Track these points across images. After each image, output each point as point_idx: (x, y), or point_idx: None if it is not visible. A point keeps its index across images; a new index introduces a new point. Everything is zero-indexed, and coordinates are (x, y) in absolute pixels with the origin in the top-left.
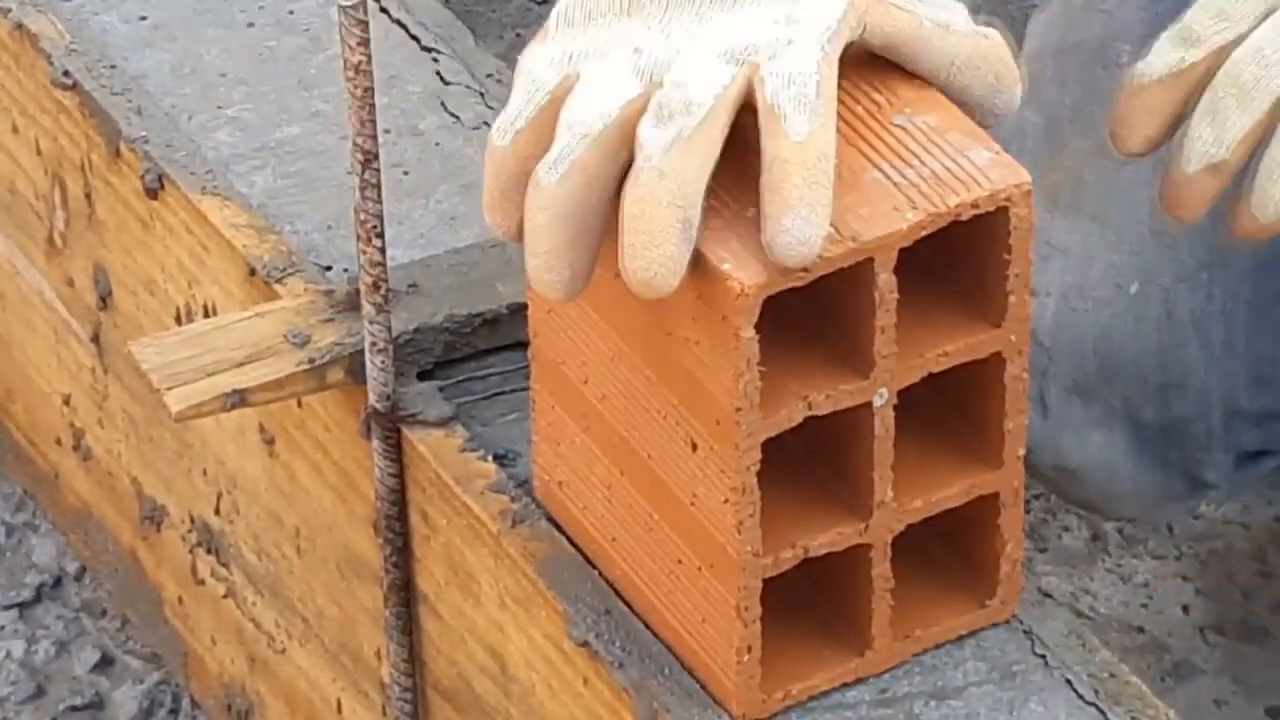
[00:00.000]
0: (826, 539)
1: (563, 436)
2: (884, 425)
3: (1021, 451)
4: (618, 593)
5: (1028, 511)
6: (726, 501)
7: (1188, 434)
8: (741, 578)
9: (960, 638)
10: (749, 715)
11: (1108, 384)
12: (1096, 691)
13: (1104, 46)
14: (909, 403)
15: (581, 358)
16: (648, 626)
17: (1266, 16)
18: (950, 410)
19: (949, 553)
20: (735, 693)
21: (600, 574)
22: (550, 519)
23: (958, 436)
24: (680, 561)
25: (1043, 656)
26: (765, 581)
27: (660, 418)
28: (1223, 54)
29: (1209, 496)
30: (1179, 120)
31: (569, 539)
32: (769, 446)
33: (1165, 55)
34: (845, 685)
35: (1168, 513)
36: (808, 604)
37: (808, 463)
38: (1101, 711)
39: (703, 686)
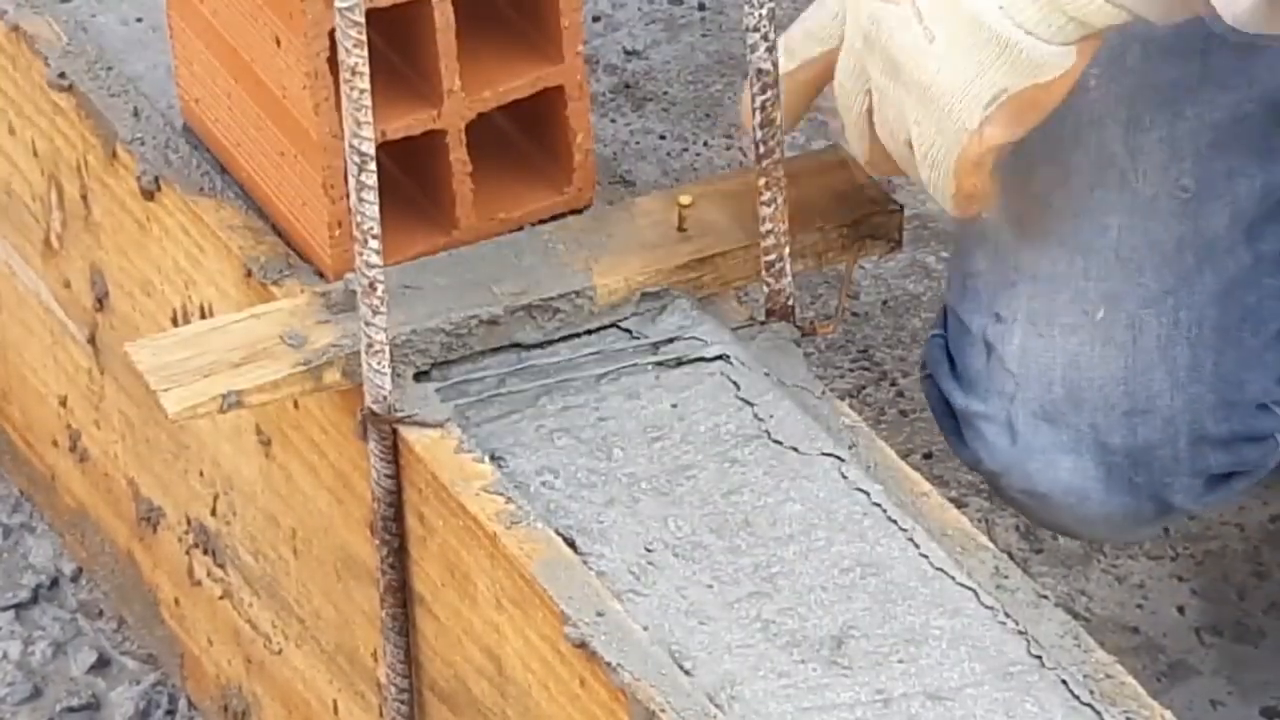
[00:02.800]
0: (403, 124)
1: (194, 56)
2: (444, 19)
3: (580, 48)
4: (246, 193)
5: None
6: (305, 88)
7: (1155, 459)
8: (324, 158)
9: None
10: (339, 273)
11: (1075, 410)
12: (1092, 692)
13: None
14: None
15: None
16: (273, 227)
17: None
18: (513, 8)
19: (529, 146)
20: (331, 264)
21: (236, 181)
22: (197, 139)
23: (522, 36)
24: (282, 153)
25: (1039, 657)
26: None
27: (253, 20)
28: (815, 66)
29: (1179, 519)
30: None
31: (213, 158)
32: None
33: (780, 63)
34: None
35: (1138, 535)
36: (404, 191)
37: (387, 59)
38: (1097, 712)
39: (308, 260)
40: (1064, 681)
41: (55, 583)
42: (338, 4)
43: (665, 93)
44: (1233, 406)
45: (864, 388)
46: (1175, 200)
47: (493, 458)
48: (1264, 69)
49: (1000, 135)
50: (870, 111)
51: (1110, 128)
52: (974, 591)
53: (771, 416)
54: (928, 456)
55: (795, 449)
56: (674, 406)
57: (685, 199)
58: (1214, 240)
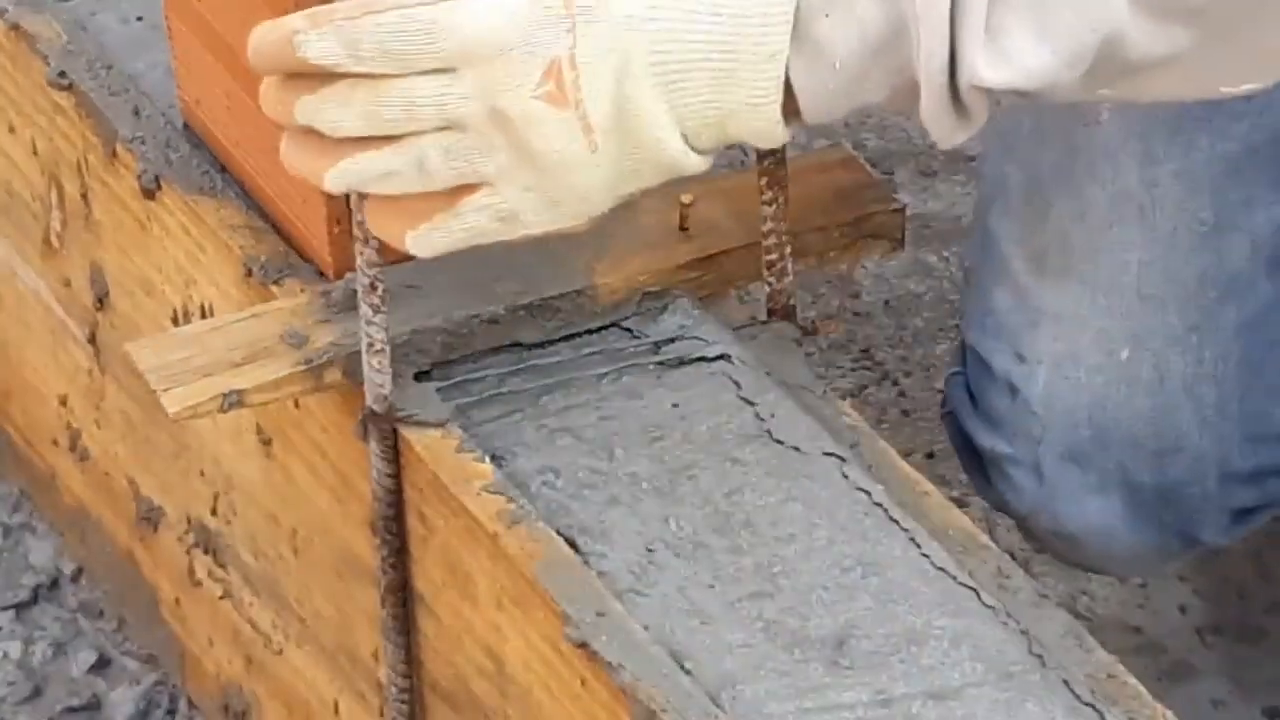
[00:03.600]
0: None
1: (193, 57)
2: None
3: None
4: (246, 192)
5: None
6: None
7: (1184, 496)
8: None
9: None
10: (340, 271)
11: (1102, 450)
12: (1094, 692)
13: (1084, 108)
14: None
15: None
16: (273, 226)
17: (429, 73)
18: None
19: None
20: (331, 263)
21: (236, 181)
22: (197, 138)
23: None
24: None
25: (1040, 657)
26: None
27: (250, 20)
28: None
29: (1204, 552)
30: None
31: (214, 157)
32: None
33: (323, 49)
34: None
35: (1164, 570)
36: None
37: None
38: (1099, 712)
39: (308, 259)
40: (1065, 682)
41: (55, 582)
42: None
43: None
44: (1260, 441)
45: (866, 387)
46: (1194, 234)
47: (493, 457)
48: (1276, 97)
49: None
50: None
51: (1124, 162)
52: (975, 591)
53: (773, 416)
54: (929, 456)
55: (796, 449)
56: (675, 406)
57: (686, 198)
58: (1236, 274)
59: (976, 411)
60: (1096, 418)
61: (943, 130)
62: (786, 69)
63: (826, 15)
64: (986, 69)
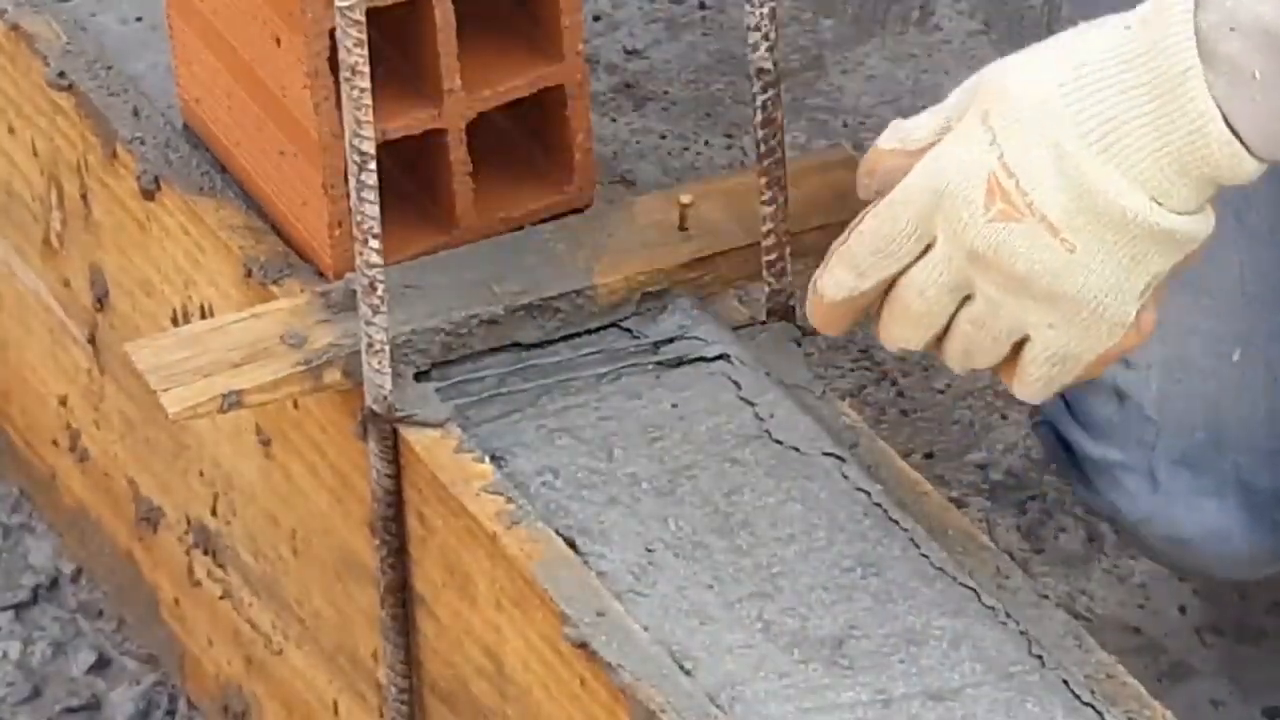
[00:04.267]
0: (403, 123)
1: (194, 56)
2: (444, 18)
3: (581, 47)
4: (246, 193)
5: (1024, 513)
6: (305, 87)
7: None
8: (325, 157)
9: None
10: (339, 272)
11: (1218, 453)
12: (1093, 692)
13: None
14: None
15: None
16: (273, 226)
17: (923, 254)
18: (514, 7)
19: (530, 145)
20: (331, 263)
21: (236, 181)
22: (197, 139)
23: (523, 35)
24: (282, 153)
25: (1039, 657)
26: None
27: (253, 20)
28: (885, 283)
29: None
30: (857, 320)
31: (213, 157)
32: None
33: (841, 283)
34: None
35: (1277, 571)
36: (405, 190)
37: (387, 58)
38: (1098, 712)
39: (308, 259)
40: (1065, 682)
41: (55, 583)
42: (338, 3)
43: (666, 92)
44: None
45: (865, 387)
46: None
47: (493, 458)
48: None
49: (1154, 319)
50: (954, 317)
51: None
52: (975, 591)
53: (772, 416)
54: (928, 456)
55: (796, 449)
56: (674, 406)
57: (686, 198)
58: None
59: (1077, 419)
60: (1211, 421)
61: None
62: (1210, 90)
63: (1231, 29)
64: None
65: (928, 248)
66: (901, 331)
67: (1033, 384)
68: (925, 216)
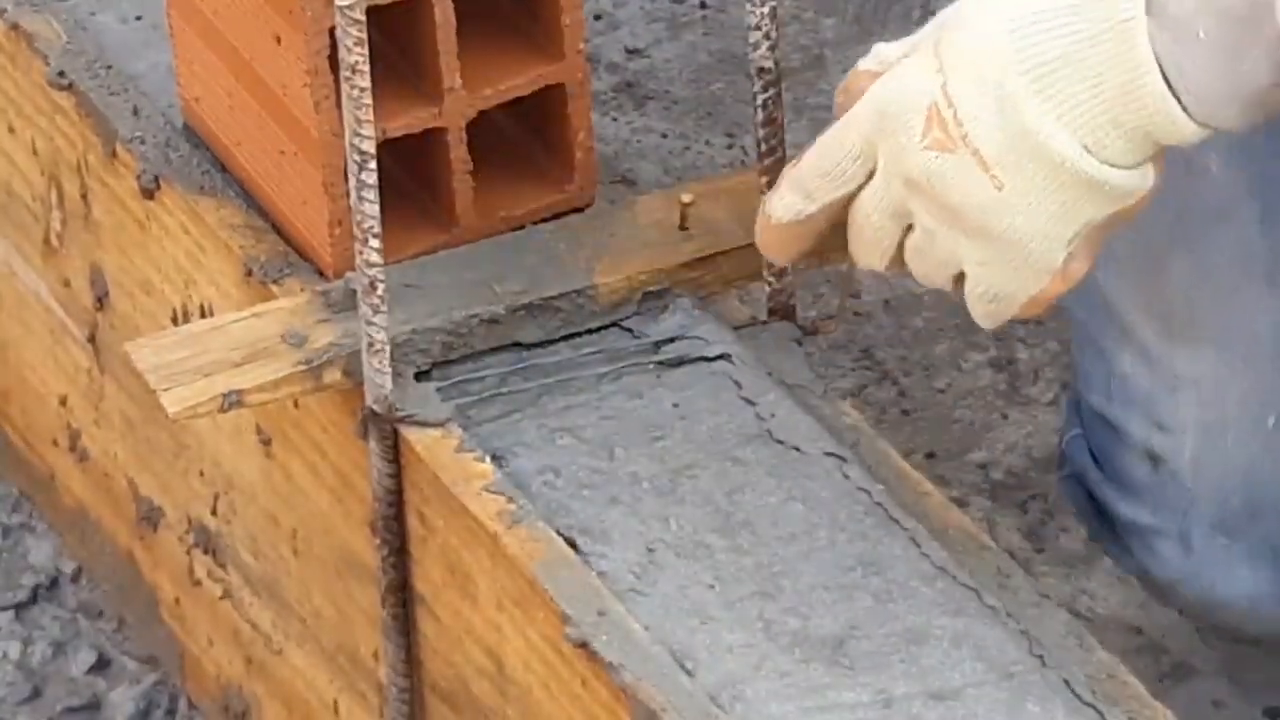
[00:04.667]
0: (403, 122)
1: (194, 55)
2: (445, 16)
3: (582, 46)
4: (247, 192)
5: (1026, 513)
6: (305, 86)
7: None
8: (325, 156)
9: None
10: (339, 271)
11: (1253, 520)
12: (1094, 692)
13: (1192, 158)
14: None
15: None
16: (273, 226)
17: (869, 179)
18: (515, 6)
19: (531, 144)
20: (331, 262)
21: (237, 180)
22: (197, 138)
23: (524, 34)
24: (283, 152)
25: (1040, 657)
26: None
27: (253, 19)
28: (833, 207)
29: None
30: (806, 248)
31: (214, 156)
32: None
33: (789, 205)
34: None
35: None
36: (405, 189)
37: (387, 56)
38: (1099, 712)
39: (308, 259)
40: (1066, 681)
41: (55, 582)
42: (338, 2)
43: (667, 91)
44: None
45: (866, 387)
46: None
47: (494, 457)
48: None
49: (1083, 269)
50: (902, 244)
51: (1245, 222)
52: (976, 591)
53: (773, 416)
54: (930, 456)
55: (797, 449)
56: (675, 406)
57: (687, 197)
58: None
59: (1107, 477)
60: (1248, 487)
61: None
62: (1152, 44)
63: None
64: None
65: (873, 173)
66: (858, 254)
67: (978, 316)
68: (869, 140)
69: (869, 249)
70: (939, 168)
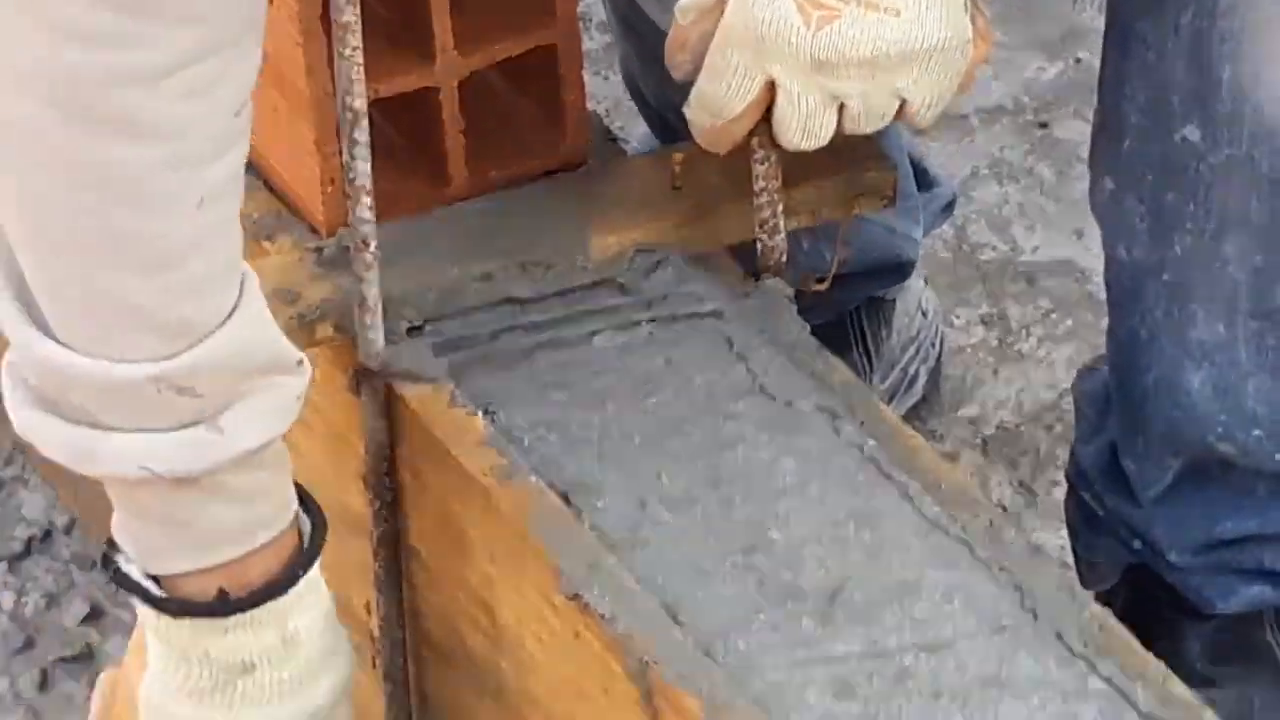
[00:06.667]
0: (396, 81)
1: None
2: None
3: (574, 6)
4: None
5: (1017, 468)
6: (298, 45)
7: None
8: (318, 115)
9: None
10: (332, 228)
11: None
12: (1085, 644)
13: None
14: None
15: None
16: (266, 183)
17: (770, 92)
18: None
19: (523, 103)
20: (324, 220)
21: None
22: None
23: None
24: (275, 110)
25: (1032, 610)
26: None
27: None
28: (751, 110)
29: None
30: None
31: None
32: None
33: (704, 122)
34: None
35: None
36: (398, 148)
37: (380, 16)
38: (1090, 663)
39: (301, 216)
40: (1058, 634)
41: (48, 534)
42: None
43: None
44: None
45: None
46: None
47: (486, 412)
48: None
49: (986, 19)
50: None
51: None
52: (968, 545)
53: (765, 372)
54: (921, 410)
55: (789, 404)
56: (668, 362)
57: (679, 156)
58: None
59: None
60: None
61: None
62: None
63: None
64: None
65: (772, 85)
66: (805, 147)
67: (926, 124)
68: (751, 58)
69: (814, 143)
70: (840, 36)
